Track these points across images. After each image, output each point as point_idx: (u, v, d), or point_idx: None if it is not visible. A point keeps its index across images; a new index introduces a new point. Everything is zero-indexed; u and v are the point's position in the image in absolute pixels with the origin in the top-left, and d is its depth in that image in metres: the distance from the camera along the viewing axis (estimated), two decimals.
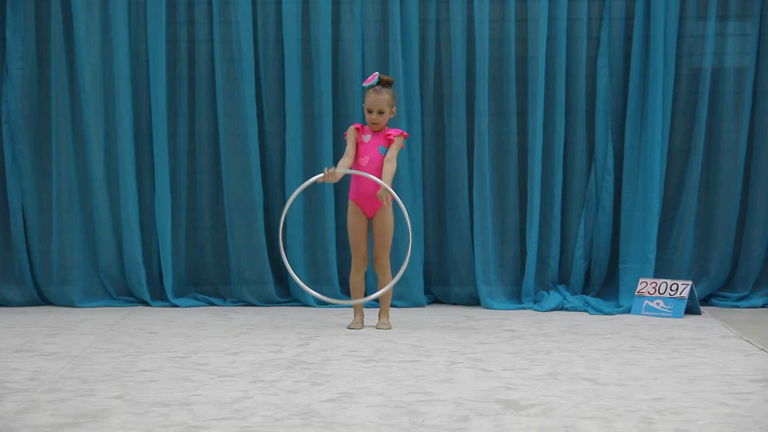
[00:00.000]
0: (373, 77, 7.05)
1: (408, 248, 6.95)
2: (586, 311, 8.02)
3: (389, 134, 7.07)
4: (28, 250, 8.32)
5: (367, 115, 7.07)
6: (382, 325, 7.17)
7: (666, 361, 6.06)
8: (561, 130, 8.29)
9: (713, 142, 8.35)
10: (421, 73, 8.33)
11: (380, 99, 7.02)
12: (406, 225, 6.97)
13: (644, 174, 8.19)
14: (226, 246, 8.42)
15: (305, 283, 8.09)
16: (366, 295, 7.47)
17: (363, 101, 7.17)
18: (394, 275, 7.14)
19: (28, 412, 4.79)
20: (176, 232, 8.40)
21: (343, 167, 7.00)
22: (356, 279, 7.24)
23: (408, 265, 8.13)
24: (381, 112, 7.04)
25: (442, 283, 8.52)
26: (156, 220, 8.31)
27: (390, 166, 7.02)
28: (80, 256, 8.31)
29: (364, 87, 7.19)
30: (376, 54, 8.28)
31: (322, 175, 6.95)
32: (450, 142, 8.32)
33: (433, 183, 8.44)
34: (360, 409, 4.84)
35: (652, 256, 8.16)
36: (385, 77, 7.08)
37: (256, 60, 8.31)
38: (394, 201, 6.95)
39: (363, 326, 7.21)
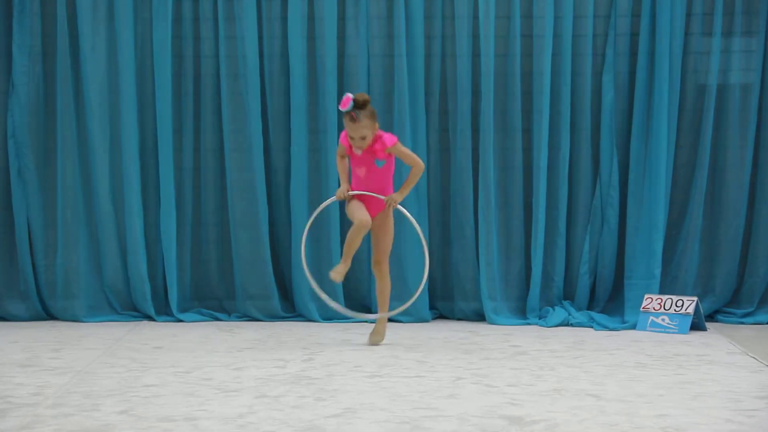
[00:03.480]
0: (347, 101, 6.78)
1: (425, 262, 7.02)
2: (591, 327, 8.00)
3: (383, 147, 6.86)
4: (33, 264, 8.33)
5: (350, 140, 6.89)
6: (373, 338, 7.08)
7: (671, 377, 6.05)
8: (566, 146, 8.29)
9: (718, 158, 8.34)
10: (427, 88, 8.34)
11: (358, 126, 6.78)
12: (420, 240, 6.98)
13: (649, 190, 8.18)
14: (231, 261, 8.42)
15: (311, 297, 8.12)
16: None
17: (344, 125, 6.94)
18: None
19: (32, 428, 4.79)
20: (181, 247, 8.40)
21: (341, 170, 7.00)
22: (353, 236, 6.88)
23: (413, 280, 8.16)
24: (363, 138, 6.83)
25: (447, 299, 8.50)
26: (161, 235, 8.32)
27: (415, 170, 6.93)
28: (85, 270, 8.31)
29: (340, 110, 6.94)
30: (382, 69, 8.29)
31: (333, 198, 7.01)
32: (455, 157, 8.32)
33: (438, 199, 8.44)
34: (364, 424, 4.84)
35: (658, 272, 8.14)
36: (360, 97, 6.77)
37: (262, 75, 8.32)
38: (405, 218, 6.94)
39: (343, 277, 6.97)
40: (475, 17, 8.26)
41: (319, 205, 8.22)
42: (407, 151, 7.06)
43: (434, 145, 8.38)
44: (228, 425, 4.81)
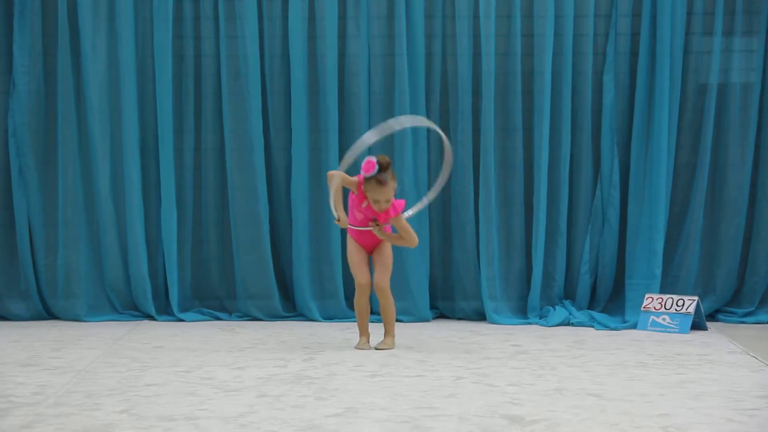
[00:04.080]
0: (372, 165, 6.52)
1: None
2: (592, 326, 8.00)
3: (388, 216, 6.74)
4: (33, 264, 8.33)
5: (373, 204, 6.64)
6: (383, 344, 6.99)
7: (672, 376, 6.05)
8: (567, 145, 8.29)
9: (719, 158, 8.34)
10: (427, 88, 8.34)
11: (386, 189, 6.57)
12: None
13: (650, 189, 8.18)
14: (232, 260, 8.42)
15: (312, 296, 8.13)
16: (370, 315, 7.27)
17: (364, 188, 6.64)
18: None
19: (33, 427, 4.79)
20: (182, 246, 8.40)
21: (337, 184, 6.79)
22: (360, 302, 6.97)
23: (414, 279, 8.16)
24: (388, 200, 6.63)
25: (448, 298, 8.51)
26: (162, 234, 8.32)
27: (406, 242, 6.82)
28: (86, 270, 8.32)
29: (365, 176, 6.59)
30: (382, 69, 8.29)
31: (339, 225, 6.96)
32: (456, 157, 8.32)
33: (439, 198, 8.42)
34: (365, 423, 4.84)
35: (658, 271, 8.14)
36: (384, 160, 6.56)
37: (262, 75, 8.32)
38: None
39: (371, 347, 6.98)
40: (476, 16, 8.26)
41: (319, 205, 8.25)
42: (407, 226, 6.83)
43: (435, 144, 8.38)
44: (229, 425, 4.81)
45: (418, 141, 8.26)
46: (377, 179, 6.58)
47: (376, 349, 6.95)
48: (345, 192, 6.96)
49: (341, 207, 6.91)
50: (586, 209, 8.38)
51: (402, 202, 6.87)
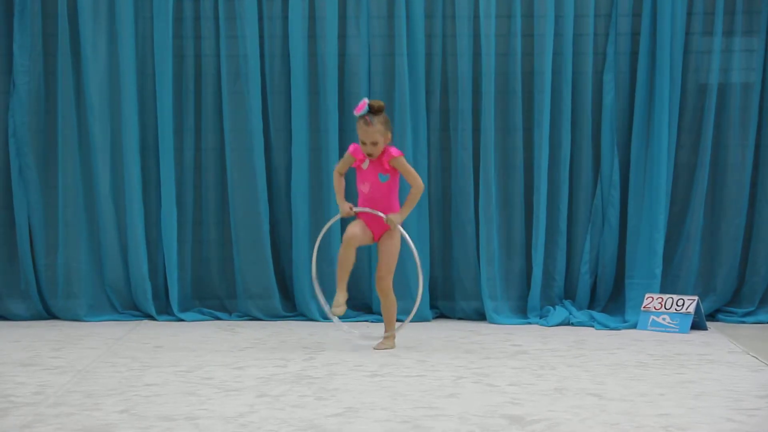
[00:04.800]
0: (363, 106, 6.75)
1: (418, 281, 6.99)
2: (592, 326, 8.00)
3: (389, 158, 6.82)
4: (33, 263, 8.33)
5: (361, 146, 6.84)
6: (383, 345, 6.99)
7: (672, 376, 6.05)
8: (567, 145, 8.29)
9: (719, 158, 8.34)
10: (427, 88, 8.34)
11: (372, 130, 6.73)
12: (414, 258, 6.98)
13: (650, 189, 8.18)
14: (232, 260, 8.42)
15: (312, 296, 8.14)
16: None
17: (357, 130, 6.87)
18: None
19: (33, 427, 4.79)
20: (182, 246, 8.40)
21: (339, 182, 6.98)
22: (343, 253, 6.84)
23: (414, 279, 8.16)
24: (375, 143, 6.79)
25: (448, 298, 8.50)
26: (162, 234, 8.32)
27: (414, 191, 6.90)
28: (86, 270, 8.32)
29: (355, 116, 6.90)
30: (382, 69, 8.29)
31: (339, 216, 7.03)
32: (456, 157, 8.33)
33: (439, 198, 8.44)
34: (365, 423, 4.84)
35: (658, 271, 8.14)
36: (376, 104, 6.74)
37: (263, 75, 8.32)
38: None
39: (345, 308, 6.91)
40: (476, 16, 8.26)
41: (319, 205, 8.25)
42: (409, 167, 6.93)
43: (435, 144, 8.39)
44: (229, 424, 4.81)
45: (418, 141, 8.26)
46: (364, 119, 6.76)
47: (375, 349, 6.94)
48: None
49: (343, 196, 7.03)
50: (586, 209, 8.38)
51: (397, 149, 6.93)
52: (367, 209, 6.91)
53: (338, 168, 7.08)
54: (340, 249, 6.94)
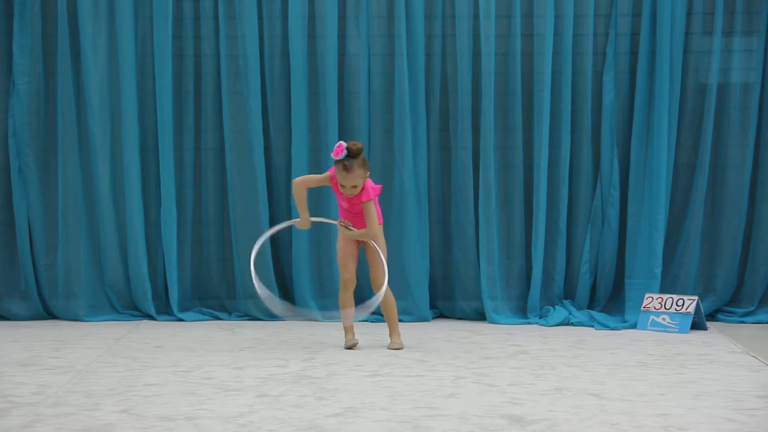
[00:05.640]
0: (341, 150, 6.63)
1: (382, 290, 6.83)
2: (592, 326, 8.00)
3: (360, 200, 6.76)
4: (33, 264, 8.33)
5: (340, 188, 6.75)
6: (394, 344, 7.00)
7: (672, 376, 6.05)
8: (567, 145, 8.29)
9: (719, 158, 8.34)
10: (427, 88, 8.34)
11: (352, 176, 6.63)
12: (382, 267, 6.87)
13: (650, 189, 8.18)
14: (232, 260, 8.42)
15: (312, 296, 8.15)
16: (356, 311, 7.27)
17: (335, 171, 6.72)
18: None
19: (33, 427, 4.79)
20: (182, 246, 8.40)
21: (302, 192, 6.88)
22: (345, 297, 7.00)
23: (414, 279, 8.16)
24: (354, 186, 6.71)
25: (448, 298, 8.50)
26: (162, 234, 8.32)
27: (366, 231, 6.84)
28: (86, 270, 8.32)
29: (333, 158, 6.72)
30: (382, 69, 8.29)
31: (298, 220, 6.98)
32: (455, 156, 8.32)
33: (439, 198, 8.44)
34: (365, 423, 4.84)
35: (658, 271, 8.14)
36: (354, 147, 6.62)
37: (262, 74, 8.32)
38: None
39: (357, 340, 7.02)
40: (476, 16, 8.26)
41: (318, 205, 8.24)
42: (372, 213, 6.81)
43: (435, 143, 8.38)
44: (229, 424, 4.81)
45: (418, 141, 8.26)
46: (343, 164, 6.66)
47: (389, 348, 6.94)
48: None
49: (305, 206, 6.94)
50: (586, 209, 8.38)
51: (378, 187, 6.88)
52: (322, 219, 7.06)
53: (307, 181, 6.93)
54: (341, 293, 7.03)
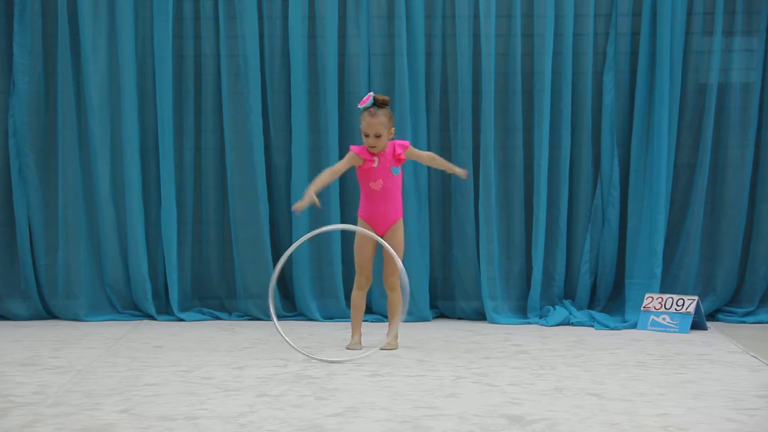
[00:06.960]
0: (368, 98, 6.73)
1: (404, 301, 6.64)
2: (592, 326, 8.00)
3: (398, 153, 6.84)
4: (33, 263, 8.33)
5: (364, 139, 6.80)
6: (389, 345, 6.96)
7: (672, 376, 6.05)
8: (567, 145, 8.29)
9: (719, 158, 8.34)
10: (427, 87, 8.34)
11: (376, 122, 6.71)
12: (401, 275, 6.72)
13: (650, 189, 8.18)
14: (232, 260, 8.43)
15: (312, 296, 8.14)
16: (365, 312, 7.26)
17: (359, 123, 6.89)
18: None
19: (33, 426, 4.79)
20: (182, 246, 8.41)
21: (325, 177, 6.83)
22: (357, 296, 7.00)
23: (414, 279, 8.16)
24: (378, 136, 6.75)
25: (448, 298, 8.50)
26: (162, 234, 8.32)
27: (434, 158, 7.10)
28: (86, 270, 8.32)
29: (359, 108, 6.88)
30: (382, 69, 8.30)
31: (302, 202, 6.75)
32: (456, 156, 8.32)
33: (439, 197, 8.44)
34: (365, 423, 4.84)
35: (658, 271, 8.14)
36: (381, 97, 6.76)
37: (263, 74, 8.33)
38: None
39: (361, 347, 6.98)
40: (476, 16, 8.26)
41: (318, 205, 8.23)
42: (419, 151, 7.08)
43: (435, 143, 8.38)
44: (229, 424, 4.81)
45: (418, 141, 8.26)
46: (369, 111, 6.76)
47: (381, 349, 6.93)
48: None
49: (320, 187, 6.81)
50: (586, 209, 8.38)
51: (406, 142, 6.97)
52: (344, 227, 7.03)
53: (336, 167, 6.93)
54: (354, 292, 7.01)
